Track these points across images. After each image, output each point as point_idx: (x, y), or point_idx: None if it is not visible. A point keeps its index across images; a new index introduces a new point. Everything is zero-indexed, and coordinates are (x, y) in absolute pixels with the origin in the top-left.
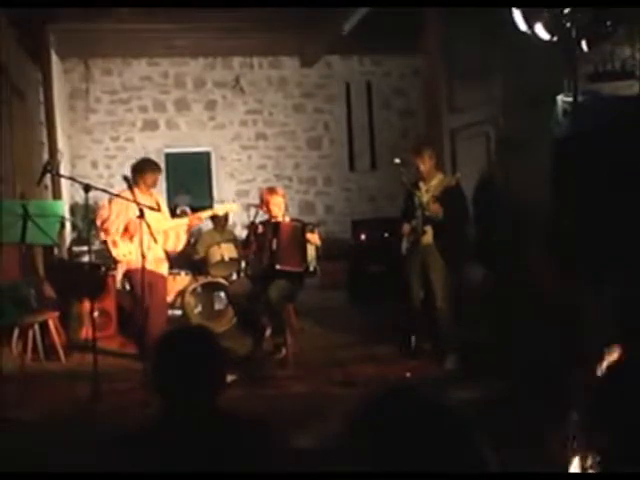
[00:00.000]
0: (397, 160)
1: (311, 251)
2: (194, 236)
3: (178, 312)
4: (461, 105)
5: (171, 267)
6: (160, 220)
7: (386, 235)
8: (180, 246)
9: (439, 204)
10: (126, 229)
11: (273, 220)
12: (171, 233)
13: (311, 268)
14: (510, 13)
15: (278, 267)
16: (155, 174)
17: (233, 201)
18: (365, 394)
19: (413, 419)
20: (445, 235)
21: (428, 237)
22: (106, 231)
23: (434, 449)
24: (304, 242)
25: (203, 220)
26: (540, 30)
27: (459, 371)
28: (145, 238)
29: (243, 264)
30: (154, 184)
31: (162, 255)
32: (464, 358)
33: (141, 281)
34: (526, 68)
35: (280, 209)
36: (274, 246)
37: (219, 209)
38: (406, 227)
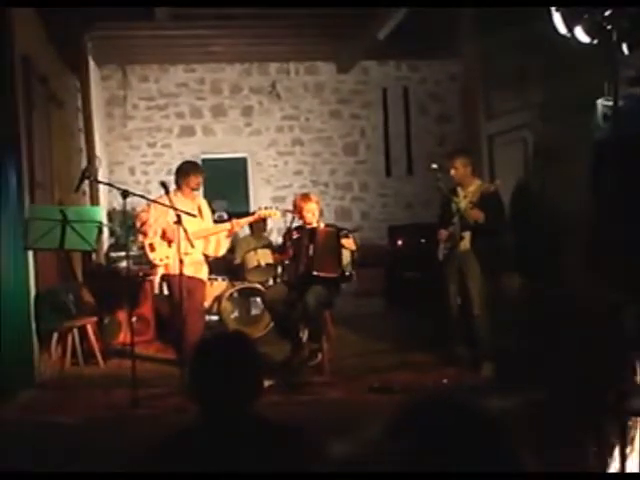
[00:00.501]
0: (434, 166)
1: (346, 256)
2: (231, 242)
3: (215, 317)
4: (498, 111)
5: (210, 272)
6: (200, 225)
7: (422, 241)
8: (221, 251)
9: (478, 210)
10: (164, 234)
11: (309, 226)
12: (212, 238)
13: (347, 273)
14: (549, 16)
15: (315, 273)
16: (198, 176)
17: (271, 207)
18: (401, 401)
19: (451, 426)
20: (483, 242)
21: (465, 243)
22: (144, 234)
23: (472, 455)
24: (339, 247)
25: (243, 226)
26: (580, 33)
27: (495, 379)
28: (182, 243)
29: (279, 270)
30: (197, 186)
31: (201, 259)
32: (501, 366)
33: (179, 286)
34: (565, 72)
35: (314, 215)
36: (311, 252)
37: (263, 213)
38: (443, 233)
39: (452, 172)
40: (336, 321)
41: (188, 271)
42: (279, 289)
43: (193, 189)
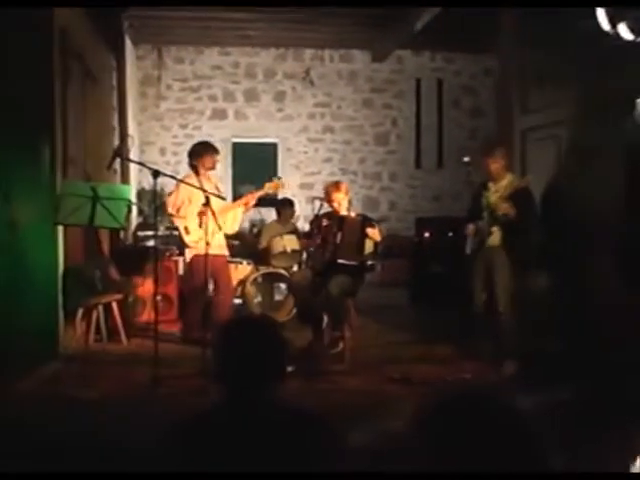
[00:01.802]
0: (466, 159)
1: (369, 246)
2: (257, 226)
3: (238, 301)
4: (533, 106)
5: (232, 255)
6: (221, 205)
7: (450, 234)
8: (236, 226)
9: (508, 205)
10: (199, 216)
11: (337, 214)
12: (229, 215)
13: (369, 262)
14: (591, 12)
15: (340, 261)
16: (213, 156)
17: (294, 196)
18: (421, 393)
19: (481, 420)
20: (512, 238)
21: (494, 239)
22: (183, 217)
23: (500, 450)
24: (363, 236)
25: (255, 197)
26: (623, 30)
27: (517, 376)
28: (210, 225)
29: (304, 256)
30: (213, 167)
31: (224, 241)
32: (523, 363)
33: (207, 266)
34: (604, 70)
35: (341, 205)
36: (338, 239)
37: (268, 187)
38: (471, 227)
39: (491, 166)
40: (359, 311)
41: (215, 251)
42: (304, 275)
43: (209, 169)
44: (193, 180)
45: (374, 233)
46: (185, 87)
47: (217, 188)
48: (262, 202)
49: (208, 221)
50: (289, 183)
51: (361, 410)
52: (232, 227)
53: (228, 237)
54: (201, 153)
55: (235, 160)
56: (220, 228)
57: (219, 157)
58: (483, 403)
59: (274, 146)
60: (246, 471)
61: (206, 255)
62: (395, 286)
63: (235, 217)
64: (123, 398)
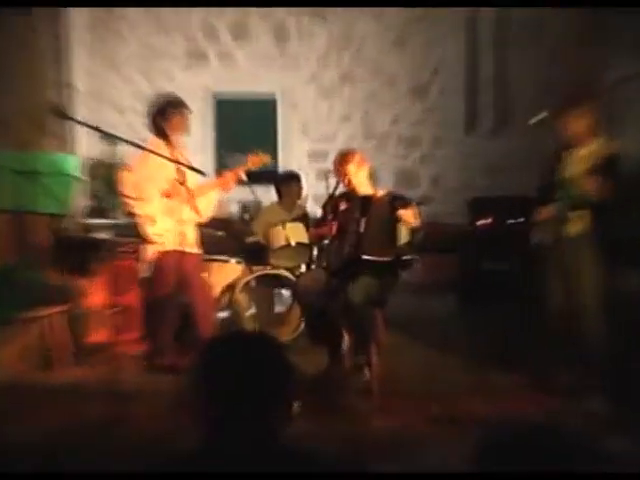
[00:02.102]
0: (537, 118)
1: (404, 234)
2: (250, 211)
3: (224, 314)
4: (625, 53)
5: (216, 251)
6: (194, 183)
7: (513, 221)
8: (209, 211)
9: (595, 180)
10: (165, 196)
11: (360, 194)
12: (201, 199)
13: (405, 257)
14: None
15: (365, 257)
16: (184, 115)
17: (300, 169)
18: (474, 436)
19: None
20: (600, 225)
21: (575, 226)
22: (145, 200)
23: None
24: (395, 222)
25: (237, 177)
26: None
27: (608, 415)
28: (185, 211)
29: (316, 251)
30: (184, 129)
31: (194, 235)
32: (616, 398)
33: (180, 267)
34: None
35: (355, 181)
36: (361, 228)
37: (251, 162)
38: (544, 211)
39: (569, 129)
40: (390, 325)
41: (184, 248)
42: (315, 278)
43: (179, 133)
44: (162, 149)
45: (408, 215)
46: (150, 26)
47: (187, 160)
48: (255, 177)
49: (182, 206)
50: (293, 152)
51: (393, 458)
52: (205, 212)
53: (203, 227)
54: (166, 111)
55: (219, 121)
56: (199, 214)
57: (196, 117)
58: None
59: (272, 102)
60: None
61: (181, 252)
62: (439, 290)
63: (208, 201)
64: (67, 444)
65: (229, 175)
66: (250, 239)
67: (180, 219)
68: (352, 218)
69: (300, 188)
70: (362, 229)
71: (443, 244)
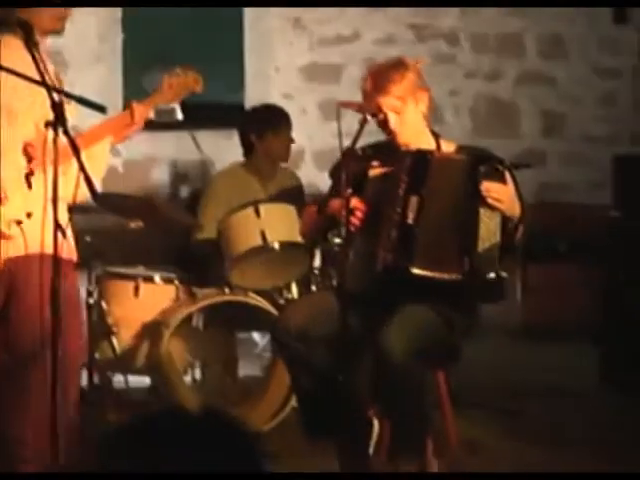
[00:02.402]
0: None
1: (490, 229)
2: (190, 181)
3: (144, 379)
4: None
5: (124, 261)
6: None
7: None
8: (98, 181)
9: None
10: (27, 157)
11: (404, 147)
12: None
13: (490, 274)
14: None
15: (417, 271)
16: None
17: (287, 98)
18: None
19: None
20: None
21: None
22: None
23: None
24: (474, 205)
25: (146, 112)
26: None
27: None
28: (64, 182)
29: (318, 258)
30: (61, 27)
31: (66, 225)
32: None
33: (53, 293)
34: None
35: (407, 120)
36: (411, 217)
37: (169, 87)
38: None
39: None
40: (463, 402)
41: (61, 249)
42: (316, 311)
43: (50, 31)
44: (19, 59)
45: (499, 192)
46: None
47: (58, 80)
48: (200, 115)
49: (55, 171)
50: (272, 64)
51: None
52: (90, 186)
53: (92, 212)
54: None
55: (127, 15)
56: (91, 183)
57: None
58: None
59: None
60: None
61: (51, 259)
62: (557, 335)
63: (95, 163)
64: None
65: (138, 109)
66: (193, 236)
67: (48, 197)
68: (392, 196)
69: (288, 138)
70: (412, 218)
71: (569, 247)
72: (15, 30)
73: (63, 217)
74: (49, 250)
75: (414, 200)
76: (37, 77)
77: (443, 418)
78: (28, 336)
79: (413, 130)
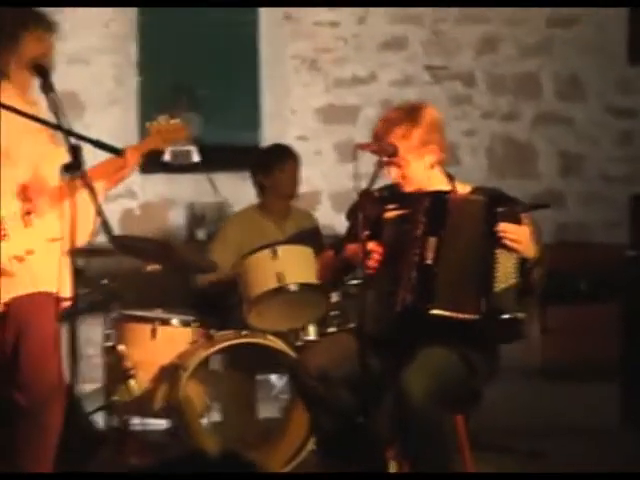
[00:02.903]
0: None
1: (507, 272)
2: (209, 223)
3: (162, 422)
4: None
5: (141, 303)
6: (53, 161)
7: None
8: (90, 228)
9: None
10: (25, 197)
11: (428, 190)
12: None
13: (507, 315)
14: None
15: (437, 311)
16: (40, 33)
17: (301, 140)
18: None
19: None
20: None
21: None
22: None
23: None
24: (491, 246)
25: (136, 157)
26: None
27: None
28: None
29: (336, 299)
30: (46, 57)
31: (57, 263)
32: None
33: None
34: None
35: (422, 166)
36: (430, 257)
37: (158, 133)
38: None
39: None
40: (482, 443)
41: (36, 284)
42: (336, 353)
43: (34, 69)
44: (14, 102)
45: (517, 233)
46: None
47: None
48: (217, 157)
49: (73, 214)
50: (287, 107)
51: None
52: (84, 231)
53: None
54: (16, 26)
55: (144, 43)
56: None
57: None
58: None
59: (252, 12)
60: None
61: (57, 299)
62: (578, 375)
63: (88, 205)
64: None
65: (131, 153)
66: (208, 278)
67: (49, 236)
68: (411, 237)
69: (294, 174)
70: (431, 258)
71: (587, 287)
72: (19, 74)
73: (64, 257)
74: (52, 288)
75: (432, 241)
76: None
77: (462, 461)
78: (39, 376)
79: (418, 181)
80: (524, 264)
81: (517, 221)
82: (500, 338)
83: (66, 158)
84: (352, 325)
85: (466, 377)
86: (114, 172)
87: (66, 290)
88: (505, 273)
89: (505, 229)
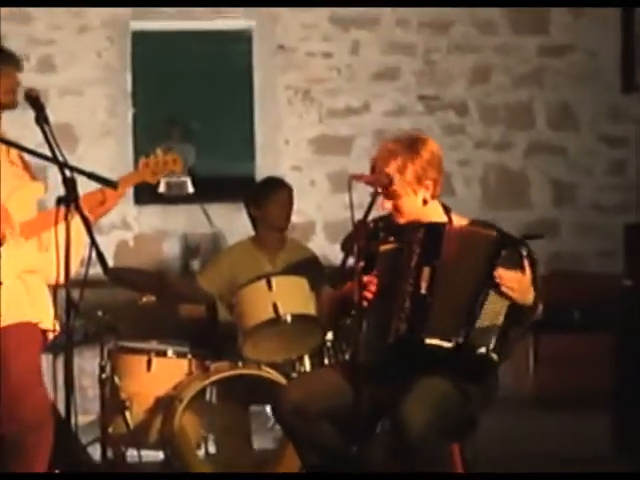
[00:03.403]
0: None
1: (495, 310)
2: (201, 255)
3: (158, 454)
4: None
5: (134, 335)
6: (25, 195)
7: None
8: (79, 259)
9: None
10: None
11: (424, 221)
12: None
13: (481, 348)
14: None
15: (430, 341)
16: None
17: (295, 170)
18: None
19: None
20: None
21: None
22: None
23: None
24: (485, 284)
25: (125, 189)
26: None
27: None
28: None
29: (330, 332)
30: (11, 93)
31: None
32: None
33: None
34: None
35: (407, 208)
36: (423, 286)
37: (154, 167)
38: None
39: None
40: (477, 472)
41: (7, 316)
42: (314, 385)
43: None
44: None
45: (514, 283)
46: None
47: (22, 160)
48: (211, 189)
49: (67, 247)
50: (281, 137)
51: None
52: (75, 263)
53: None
54: None
55: (138, 74)
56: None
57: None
58: None
59: (246, 35)
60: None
61: (39, 330)
62: (571, 404)
63: (77, 239)
64: None
65: (100, 191)
66: (202, 309)
67: (21, 268)
68: (405, 267)
69: (285, 204)
70: (425, 288)
71: (581, 316)
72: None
73: (38, 288)
74: (25, 319)
75: (427, 270)
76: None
77: None
78: (18, 407)
79: (412, 214)
80: (517, 309)
81: (518, 265)
82: (468, 373)
83: (42, 192)
84: (345, 357)
85: (462, 406)
86: (95, 206)
87: (49, 321)
88: (493, 313)
89: (502, 275)
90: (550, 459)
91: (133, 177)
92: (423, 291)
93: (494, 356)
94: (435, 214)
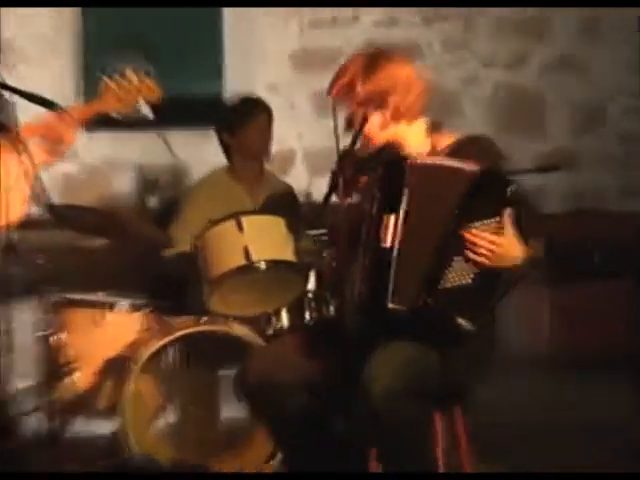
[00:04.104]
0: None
1: (463, 269)
2: (162, 187)
3: (108, 424)
4: None
5: (82, 285)
6: None
7: None
8: (24, 197)
9: None
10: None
11: (394, 154)
12: None
13: (448, 312)
14: None
15: (393, 305)
16: None
17: (274, 90)
18: None
19: None
20: None
21: None
22: None
23: None
24: (451, 235)
25: (83, 119)
26: None
27: None
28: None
29: (312, 280)
30: None
31: None
32: None
33: None
34: None
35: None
36: (389, 238)
37: (117, 92)
38: None
39: None
40: (486, 441)
41: None
42: (282, 354)
43: None
44: None
45: (491, 248)
46: None
47: None
48: (173, 112)
49: None
50: (256, 50)
51: None
52: (17, 201)
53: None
54: None
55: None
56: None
57: None
58: None
59: None
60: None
61: None
62: (591, 364)
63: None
64: None
65: (77, 112)
66: (165, 254)
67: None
68: (368, 216)
69: (266, 130)
70: (387, 241)
71: (605, 259)
72: None
73: None
74: None
75: (389, 219)
76: None
77: (460, 458)
78: None
79: (382, 138)
80: (493, 273)
81: (499, 222)
82: (437, 338)
83: None
84: (331, 311)
85: (434, 371)
86: (52, 141)
87: None
88: (462, 269)
89: (475, 241)
90: (568, 425)
91: (94, 106)
92: (385, 245)
93: (463, 322)
94: (415, 138)
